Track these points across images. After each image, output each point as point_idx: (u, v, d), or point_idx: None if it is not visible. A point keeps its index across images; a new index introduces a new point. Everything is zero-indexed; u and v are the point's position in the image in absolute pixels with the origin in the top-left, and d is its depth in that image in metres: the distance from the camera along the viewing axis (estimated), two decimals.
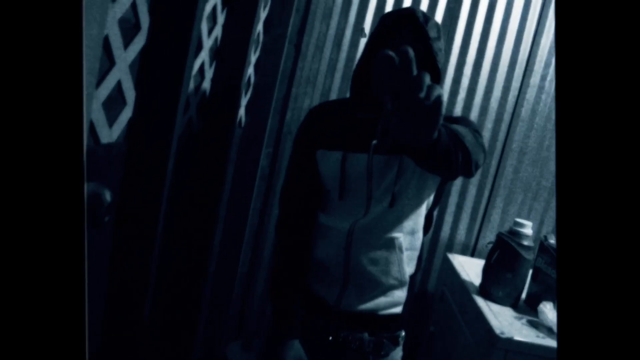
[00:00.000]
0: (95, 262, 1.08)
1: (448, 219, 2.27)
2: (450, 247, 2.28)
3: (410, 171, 1.18)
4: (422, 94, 0.64)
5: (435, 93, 0.65)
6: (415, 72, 0.64)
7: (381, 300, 1.27)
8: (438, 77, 1.18)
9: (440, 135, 0.85)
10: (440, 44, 1.18)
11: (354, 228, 1.21)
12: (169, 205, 1.29)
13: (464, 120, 1.20)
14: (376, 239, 1.21)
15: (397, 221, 1.22)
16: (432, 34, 1.15)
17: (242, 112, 1.88)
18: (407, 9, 1.17)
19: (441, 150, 0.88)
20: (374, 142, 1.18)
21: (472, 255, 2.29)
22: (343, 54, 2.20)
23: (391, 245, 1.22)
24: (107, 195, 0.62)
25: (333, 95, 2.23)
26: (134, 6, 0.99)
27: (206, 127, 1.53)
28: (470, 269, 2.00)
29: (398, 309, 1.31)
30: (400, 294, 1.30)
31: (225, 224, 2.09)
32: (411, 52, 0.70)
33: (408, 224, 1.24)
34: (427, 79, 0.65)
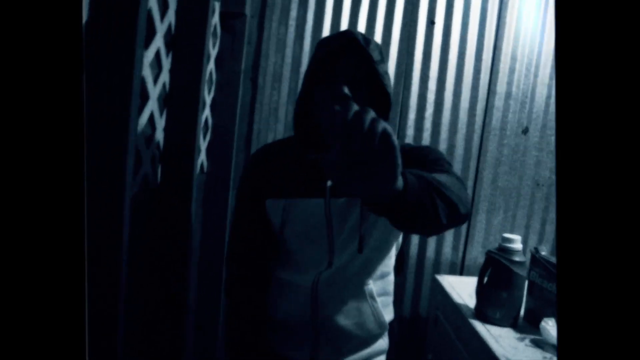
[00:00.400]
0: None
1: (431, 239, 2.18)
2: (437, 268, 2.19)
3: None
4: (364, 131, 0.53)
5: (380, 127, 0.54)
6: (353, 109, 0.54)
7: (362, 354, 1.16)
8: (388, 102, 1.06)
9: (407, 184, 0.69)
10: (384, 67, 1.05)
11: (318, 281, 1.11)
12: (132, 265, 1.17)
13: (429, 152, 1.06)
14: (344, 289, 1.11)
15: (366, 267, 1.11)
16: (376, 56, 1.02)
17: (202, 157, 1.78)
18: (346, 32, 1.03)
19: (412, 203, 0.70)
20: (329, 183, 1.07)
21: (461, 273, 2.20)
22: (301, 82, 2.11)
23: (361, 294, 1.12)
24: None
25: None
26: None
27: (164, 180, 1.42)
28: (462, 289, 1.91)
29: (381, 358, 1.20)
30: (382, 343, 1.19)
31: (200, 269, 1.96)
32: (346, 89, 0.61)
33: (378, 268, 1.14)
34: (369, 115, 0.54)
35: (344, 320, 1.11)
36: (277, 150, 1.18)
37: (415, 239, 2.17)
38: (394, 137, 0.55)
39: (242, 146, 2.11)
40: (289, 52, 2.11)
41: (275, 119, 2.13)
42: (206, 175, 1.87)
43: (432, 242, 2.18)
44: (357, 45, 1.01)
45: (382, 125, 0.54)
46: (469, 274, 2.16)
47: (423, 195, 0.72)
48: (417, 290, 2.21)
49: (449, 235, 2.18)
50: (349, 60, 1.01)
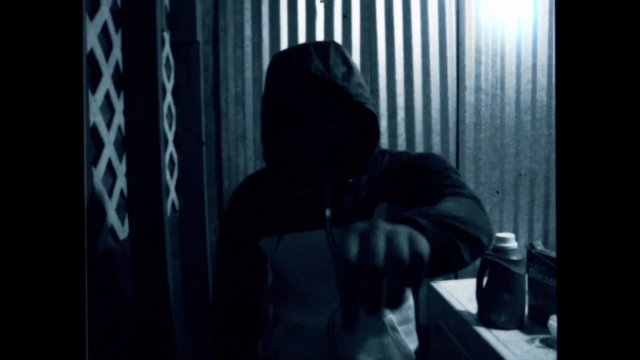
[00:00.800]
0: None
1: None
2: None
3: None
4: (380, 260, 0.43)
5: (402, 254, 0.44)
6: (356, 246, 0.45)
7: None
8: (374, 118, 0.96)
9: (429, 239, 0.58)
10: (355, 77, 0.94)
11: (334, 321, 1.02)
12: (108, 326, 1.06)
13: (432, 161, 0.98)
14: (363, 326, 1.02)
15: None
16: (339, 73, 0.90)
17: (173, 195, 1.68)
18: (301, 60, 0.90)
19: (438, 256, 0.60)
20: (328, 212, 0.98)
21: (456, 277, 2.13)
22: None
23: (382, 327, 1.03)
24: None
25: None
26: None
27: (133, 230, 1.31)
28: (460, 294, 1.84)
29: None
30: None
31: (187, 315, 1.86)
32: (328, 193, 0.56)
33: None
34: (381, 242, 0.44)
35: (367, 358, 1.02)
36: (260, 183, 1.09)
37: None
38: (423, 256, 0.45)
39: (214, 176, 2.02)
40: (248, 74, 2.03)
41: (244, 144, 2.05)
42: (179, 213, 1.77)
43: None
44: (316, 79, 0.89)
45: (402, 248, 0.44)
46: (464, 276, 2.09)
47: (443, 245, 0.63)
48: (414, 299, 2.14)
49: None
50: (311, 98, 0.91)
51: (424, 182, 0.91)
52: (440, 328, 1.87)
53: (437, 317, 1.93)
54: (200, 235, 1.86)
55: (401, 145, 2.07)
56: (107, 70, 1.17)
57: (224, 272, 1.09)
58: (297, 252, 0.99)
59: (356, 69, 0.95)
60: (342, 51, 0.95)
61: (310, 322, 1.03)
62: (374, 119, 0.96)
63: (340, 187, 0.99)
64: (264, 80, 2.00)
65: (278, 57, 0.96)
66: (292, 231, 0.99)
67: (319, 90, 0.91)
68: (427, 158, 0.99)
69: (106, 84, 1.17)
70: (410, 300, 1.11)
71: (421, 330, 2.04)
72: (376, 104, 2.04)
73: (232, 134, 2.03)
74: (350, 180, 0.98)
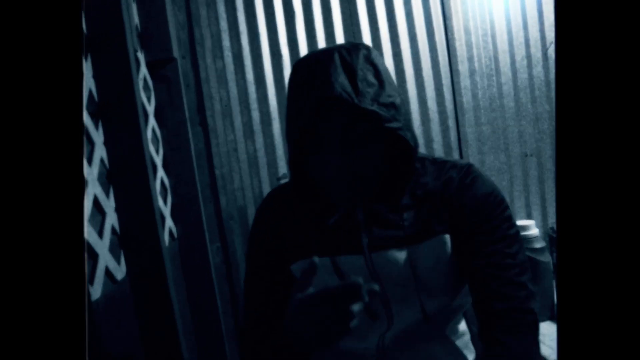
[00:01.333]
0: None
1: None
2: None
3: (427, 257, 0.89)
4: None
5: None
6: None
7: None
8: (409, 145, 0.84)
9: None
10: (387, 94, 0.80)
11: (383, 344, 0.93)
12: None
13: (490, 212, 0.87)
14: (415, 347, 0.93)
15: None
16: (369, 92, 0.78)
17: (169, 223, 1.58)
18: (325, 83, 0.78)
19: None
20: (364, 239, 0.89)
21: None
22: (255, 114, 1.94)
23: (433, 339, 0.95)
24: None
25: (261, 160, 1.95)
26: None
27: (131, 271, 1.22)
28: None
29: None
30: None
31: (199, 336, 1.76)
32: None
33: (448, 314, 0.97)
34: None
35: None
36: (287, 202, 0.98)
37: None
38: None
39: (209, 196, 1.92)
40: (232, 85, 1.93)
41: (237, 158, 1.95)
42: (178, 241, 1.67)
43: None
44: (341, 102, 0.77)
45: None
46: None
47: None
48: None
49: None
50: (336, 123, 0.80)
51: (476, 233, 0.85)
52: (473, 332, 1.78)
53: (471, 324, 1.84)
54: (203, 259, 1.76)
55: None
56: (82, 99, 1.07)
57: (255, 295, 0.99)
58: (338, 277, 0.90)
59: (388, 82, 0.83)
60: (372, 58, 0.82)
61: (359, 349, 0.94)
62: (408, 145, 0.84)
63: (373, 210, 0.90)
64: (249, 90, 1.91)
65: (299, 70, 0.84)
66: (328, 254, 0.90)
67: (344, 113, 0.79)
68: (484, 205, 0.88)
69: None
70: (461, 310, 1.02)
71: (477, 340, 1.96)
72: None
73: (223, 150, 1.94)
74: (383, 206, 0.90)
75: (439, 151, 2.01)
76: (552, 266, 1.46)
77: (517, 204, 2.05)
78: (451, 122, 2.01)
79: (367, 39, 1.95)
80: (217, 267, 1.94)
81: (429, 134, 2.01)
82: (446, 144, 2.02)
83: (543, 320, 1.45)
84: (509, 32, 2.01)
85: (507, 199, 1.95)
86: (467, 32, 1.99)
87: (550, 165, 2.05)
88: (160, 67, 1.62)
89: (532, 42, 2.01)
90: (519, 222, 1.48)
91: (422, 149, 2.01)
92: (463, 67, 2.00)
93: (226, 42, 1.91)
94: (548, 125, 2.04)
